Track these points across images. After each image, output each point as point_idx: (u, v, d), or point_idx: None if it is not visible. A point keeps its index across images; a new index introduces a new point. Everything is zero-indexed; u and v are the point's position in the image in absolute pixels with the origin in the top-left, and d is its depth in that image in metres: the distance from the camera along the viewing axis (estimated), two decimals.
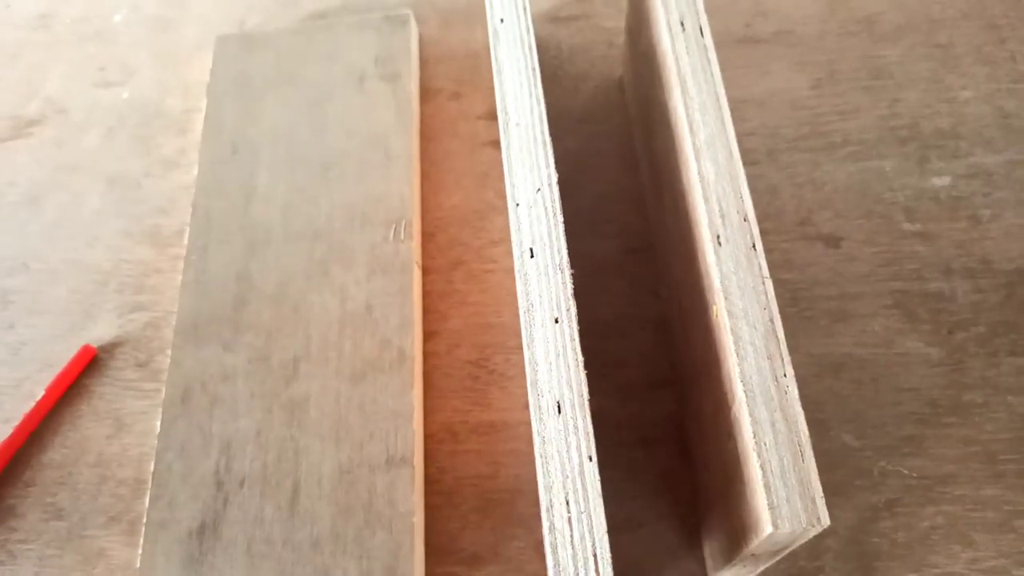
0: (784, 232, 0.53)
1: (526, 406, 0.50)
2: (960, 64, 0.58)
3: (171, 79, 0.65)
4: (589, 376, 0.52)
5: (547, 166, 0.39)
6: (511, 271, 0.54)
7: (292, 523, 0.46)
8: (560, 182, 0.60)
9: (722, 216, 0.37)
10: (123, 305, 0.56)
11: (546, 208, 0.38)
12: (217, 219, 0.55)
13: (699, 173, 0.38)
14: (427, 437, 0.49)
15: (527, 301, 0.36)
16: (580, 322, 0.54)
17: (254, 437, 0.48)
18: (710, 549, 0.43)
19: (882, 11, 0.61)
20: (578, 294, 0.55)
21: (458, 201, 0.57)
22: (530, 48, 0.43)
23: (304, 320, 0.51)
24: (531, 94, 0.41)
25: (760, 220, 0.54)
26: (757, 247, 0.36)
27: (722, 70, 0.61)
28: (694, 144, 0.38)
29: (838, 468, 0.47)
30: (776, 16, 0.61)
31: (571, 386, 0.34)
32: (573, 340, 0.35)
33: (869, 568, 0.44)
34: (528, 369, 0.35)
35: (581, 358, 0.35)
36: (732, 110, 0.58)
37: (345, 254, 0.53)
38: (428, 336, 0.53)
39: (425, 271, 0.55)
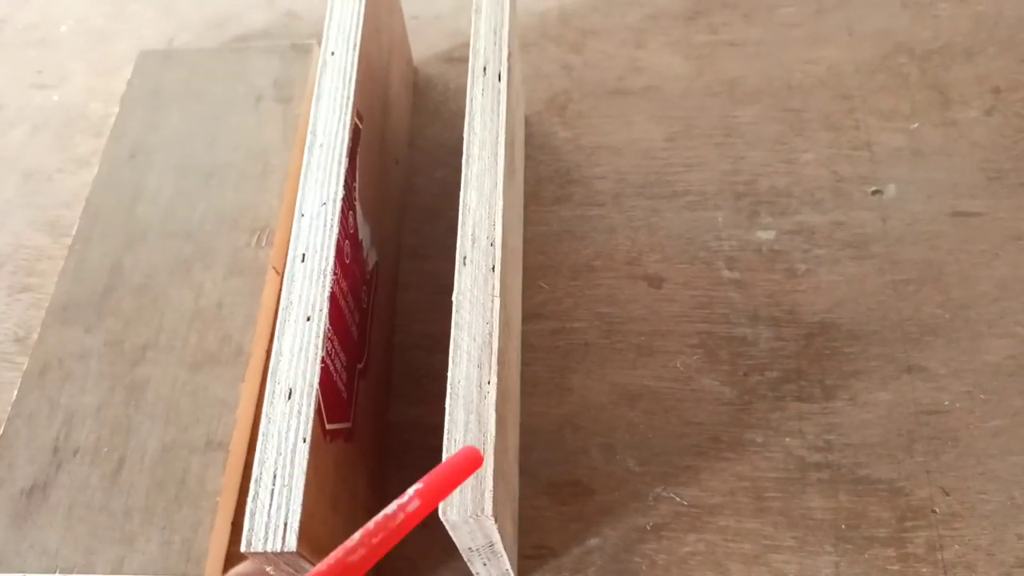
0: (613, 270, 0.57)
1: None
2: (807, 128, 0.62)
3: (99, 87, 0.71)
4: (410, 386, 0.56)
5: (337, 184, 0.44)
6: None
7: (112, 492, 0.50)
8: (424, 208, 0.65)
9: (473, 240, 0.41)
10: (13, 285, 0.61)
11: (326, 221, 0.43)
12: (104, 215, 0.61)
13: (463, 201, 0.42)
14: (256, 427, 0.54)
15: (287, 300, 0.41)
16: (412, 335, 0.58)
17: (95, 412, 0.53)
18: None
19: (745, 75, 0.65)
20: (418, 310, 0.59)
21: None
22: (350, 80, 0.47)
23: (160, 311, 0.56)
24: (339, 121, 0.46)
25: (592, 257, 0.58)
26: (496, 269, 0.40)
27: (588, 118, 0.65)
28: (465, 175, 0.43)
29: (617, 490, 0.50)
30: (649, 73, 0.66)
31: (305, 376, 0.38)
32: (318, 337, 0.39)
33: None
34: (272, 358, 0.39)
35: (321, 353, 0.39)
36: (589, 155, 0.62)
37: (209, 255, 0.58)
38: None
39: None
